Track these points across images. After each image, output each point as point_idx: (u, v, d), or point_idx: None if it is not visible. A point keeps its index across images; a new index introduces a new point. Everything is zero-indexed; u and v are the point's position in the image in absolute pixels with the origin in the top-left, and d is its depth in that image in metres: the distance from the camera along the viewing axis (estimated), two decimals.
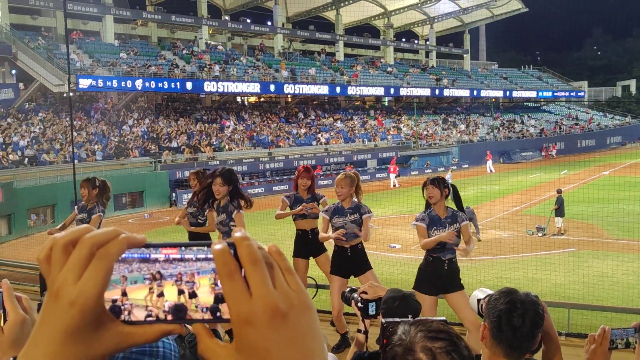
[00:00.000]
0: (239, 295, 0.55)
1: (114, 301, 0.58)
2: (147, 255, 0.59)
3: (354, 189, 6.15)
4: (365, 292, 2.77)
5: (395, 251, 15.61)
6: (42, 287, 8.72)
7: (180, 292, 0.58)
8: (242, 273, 0.57)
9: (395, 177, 33.19)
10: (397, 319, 1.66)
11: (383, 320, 1.60)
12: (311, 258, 6.86)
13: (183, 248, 0.59)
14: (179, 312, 0.58)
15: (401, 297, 2.59)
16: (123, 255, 0.58)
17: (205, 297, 0.58)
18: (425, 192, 5.64)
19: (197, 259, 0.58)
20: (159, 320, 0.58)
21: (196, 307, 0.58)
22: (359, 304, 2.77)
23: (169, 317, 0.58)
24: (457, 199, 5.72)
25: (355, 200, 6.20)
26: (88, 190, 7.35)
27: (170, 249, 0.59)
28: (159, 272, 0.58)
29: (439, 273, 5.55)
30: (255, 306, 0.55)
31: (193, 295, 0.58)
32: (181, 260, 0.59)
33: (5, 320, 1.00)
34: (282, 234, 15.24)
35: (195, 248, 0.59)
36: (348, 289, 2.98)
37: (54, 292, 0.56)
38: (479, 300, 2.42)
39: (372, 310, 2.75)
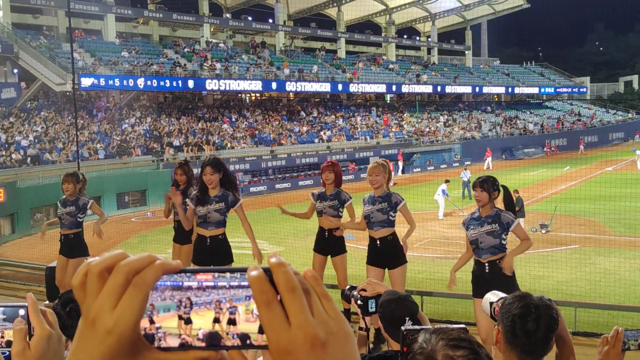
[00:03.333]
0: (278, 324, 0.55)
1: (146, 329, 0.58)
2: (180, 283, 0.58)
3: (388, 176, 6.21)
4: (364, 290, 2.78)
5: None
6: (48, 289, 8.73)
7: (215, 320, 0.58)
8: (279, 297, 0.56)
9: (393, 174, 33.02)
10: (417, 327, 1.67)
11: (403, 328, 1.61)
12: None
13: (216, 275, 0.58)
14: (212, 339, 0.57)
15: (397, 300, 2.60)
16: (156, 283, 0.58)
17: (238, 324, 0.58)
18: (473, 193, 5.43)
19: (231, 287, 0.58)
20: (193, 347, 0.58)
21: (227, 334, 0.57)
22: (359, 302, 2.77)
23: (202, 345, 0.58)
24: (508, 201, 5.46)
25: (387, 190, 6.24)
26: (73, 185, 7.37)
27: (204, 275, 0.59)
28: (189, 300, 0.58)
29: (482, 276, 5.30)
30: (295, 336, 0.54)
31: (232, 322, 0.58)
32: (214, 287, 0.58)
33: (31, 336, 1.00)
34: (284, 232, 15.25)
35: (228, 275, 0.58)
36: (348, 287, 2.99)
37: (90, 319, 0.56)
38: (491, 303, 2.41)
39: (371, 307, 2.75)
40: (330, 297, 0.59)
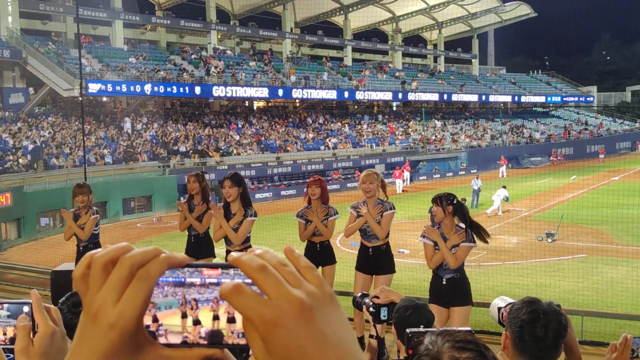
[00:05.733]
0: (255, 301, 0.51)
1: (147, 327, 0.56)
2: (182, 279, 0.56)
3: (381, 184, 6.19)
4: (377, 297, 2.75)
5: (403, 257, 15.55)
6: (53, 293, 8.73)
7: (215, 317, 0.56)
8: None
9: (402, 182, 32.89)
10: (423, 329, 1.65)
11: (408, 331, 1.59)
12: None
13: (221, 271, 0.57)
14: (214, 337, 0.56)
15: (414, 307, 2.56)
16: (158, 279, 0.56)
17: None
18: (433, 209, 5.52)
19: None
20: (197, 345, 0.56)
21: (232, 332, 0.56)
22: (371, 309, 2.74)
23: (204, 342, 0.56)
24: (462, 216, 5.45)
25: (380, 198, 6.22)
26: (88, 196, 7.18)
27: (211, 271, 0.57)
28: (194, 298, 0.56)
29: (439, 288, 5.52)
30: (279, 306, 0.51)
31: (231, 320, 0.56)
32: (218, 284, 0.56)
33: (35, 332, 1.00)
34: (290, 239, 15.24)
35: (232, 271, 0.56)
36: (360, 294, 2.96)
37: (93, 313, 0.54)
38: (499, 308, 2.39)
39: (384, 315, 2.72)
40: (313, 266, 0.56)
